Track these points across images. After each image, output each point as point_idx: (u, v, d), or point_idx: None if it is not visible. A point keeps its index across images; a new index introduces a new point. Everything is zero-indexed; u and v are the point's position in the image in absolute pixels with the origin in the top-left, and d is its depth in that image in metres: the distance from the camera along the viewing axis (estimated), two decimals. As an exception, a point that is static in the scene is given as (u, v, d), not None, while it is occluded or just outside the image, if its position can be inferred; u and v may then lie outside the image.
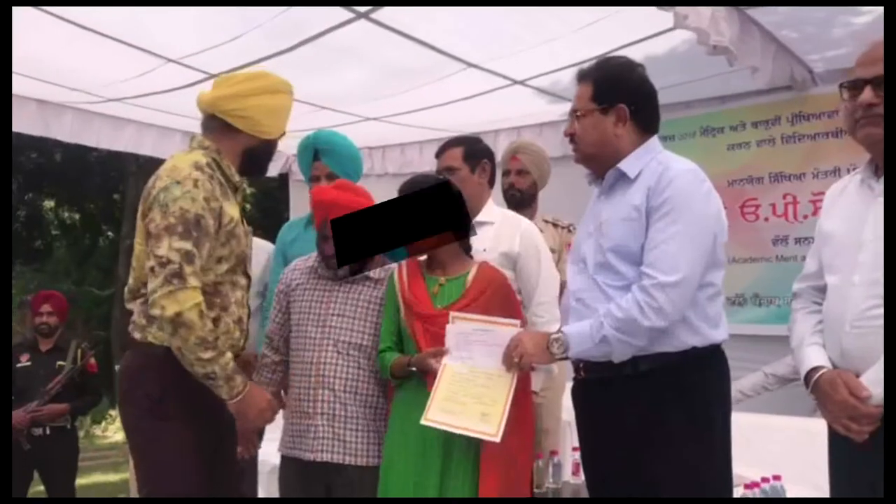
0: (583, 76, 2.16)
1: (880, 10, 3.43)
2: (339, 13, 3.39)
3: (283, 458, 2.61)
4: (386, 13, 3.42)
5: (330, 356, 2.51)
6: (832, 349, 1.86)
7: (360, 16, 3.40)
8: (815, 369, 1.85)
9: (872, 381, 1.73)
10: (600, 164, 2.13)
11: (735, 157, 4.59)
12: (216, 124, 2.29)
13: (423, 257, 2.49)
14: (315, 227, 2.66)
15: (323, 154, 3.07)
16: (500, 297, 2.39)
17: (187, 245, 2.08)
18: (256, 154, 2.35)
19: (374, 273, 2.63)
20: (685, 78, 4.19)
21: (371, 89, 4.46)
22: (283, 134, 2.39)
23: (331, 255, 2.54)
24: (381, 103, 4.73)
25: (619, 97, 2.09)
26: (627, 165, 2.07)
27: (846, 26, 3.69)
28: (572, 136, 2.15)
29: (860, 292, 1.78)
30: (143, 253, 2.17)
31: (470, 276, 2.40)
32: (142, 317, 2.20)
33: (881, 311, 1.74)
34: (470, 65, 4.05)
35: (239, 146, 2.31)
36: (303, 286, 2.65)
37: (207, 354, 2.08)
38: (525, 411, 2.32)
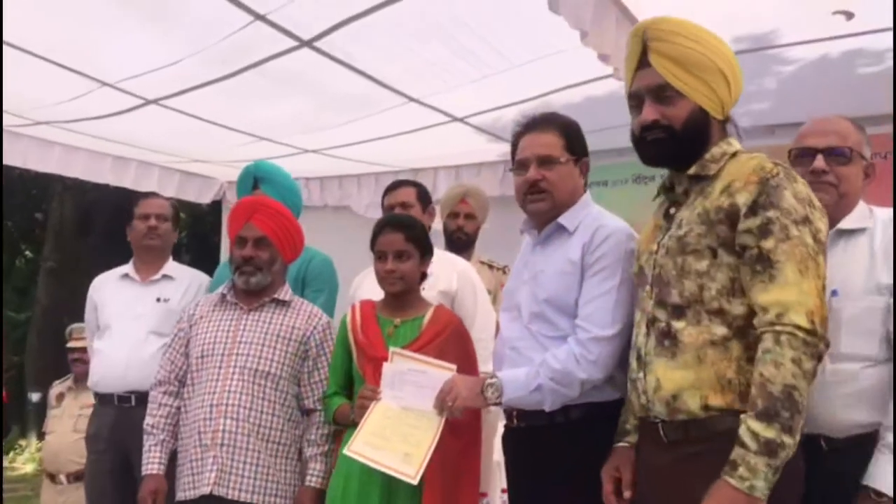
0: (542, 124, 2.13)
1: (807, 57, 3.58)
2: (282, 41, 3.35)
3: None
4: (330, 42, 3.39)
5: (235, 384, 2.44)
6: None
7: (303, 44, 3.38)
8: None
9: (877, 479, 1.77)
10: (556, 215, 2.12)
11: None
12: None
13: (378, 298, 2.48)
14: (232, 236, 2.63)
15: (262, 182, 3.13)
16: (455, 340, 2.39)
17: None
18: None
19: (283, 295, 2.62)
20: (623, 121, 4.28)
21: (311, 120, 4.44)
22: None
23: (247, 258, 2.54)
24: (321, 135, 4.71)
25: (584, 150, 2.14)
26: (567, 220, 2.11)
27: (776, 76, 3.80)
28: (538, 182, 2.08)
29: None
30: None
31: (426, 319, 2.40)
32: None
33: (832, 366, 1.81)
34: (411, 99, 4.06)
35: None
36: (207, 318, 2.59)
37: None
38: (473, 452, 2.34)
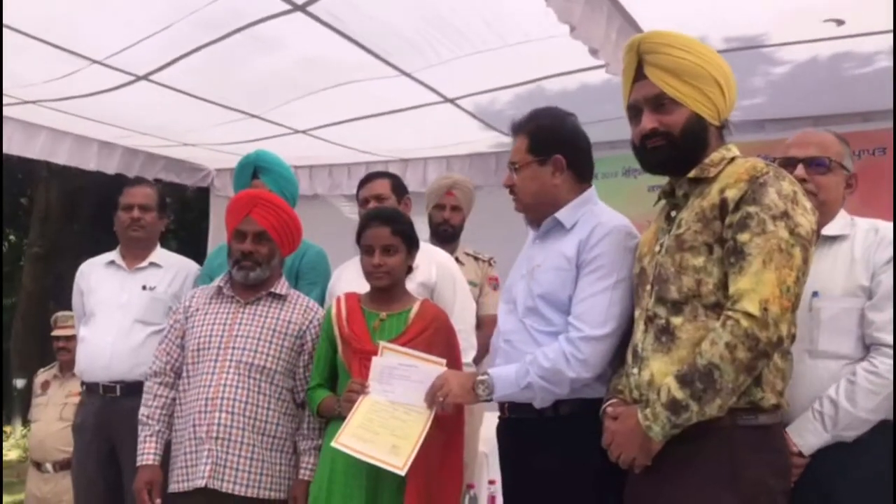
0: (517, 129, 2.18)
1: (798, 59, 3.62)
2: (274, 3, 3.24)
3: (170, 497, 2.47)
4: (322, 7, 3.28)
5: (230, 378, 2.44)
6: None
7: (296, 8, 3.27)
8: None
9: (795, 433, 1.86)
10: (539, 213, 2.16)
11: (654, 198, 4.71)
12: None
13: (363, 291, 2.46)
14: (231, 229, 2.61)
15: (262, 172, 3.10)
16: (441, 335, 2.38)
17: None
18: None
19: (280, 289, 2.61)
20: (616, 114, 4.24)
21: (300, 83, 4.23)
22: None
23: (247, 252, 2.53)
24: (310, 108, 4.52)
25: (555, 148, 2.14)
26: (563, 216, 2.12)
27: (765, 76, 3.83)
28: (511, 188, 2.18)
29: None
30: None
31: (412, 313, 2.39)
32: None
33: (812, 362, 1.89)
34: (402, 73, 3.91)
35: None
36: (203, 310, 2.59)
37: None
38: (456, 444, 2.34)
